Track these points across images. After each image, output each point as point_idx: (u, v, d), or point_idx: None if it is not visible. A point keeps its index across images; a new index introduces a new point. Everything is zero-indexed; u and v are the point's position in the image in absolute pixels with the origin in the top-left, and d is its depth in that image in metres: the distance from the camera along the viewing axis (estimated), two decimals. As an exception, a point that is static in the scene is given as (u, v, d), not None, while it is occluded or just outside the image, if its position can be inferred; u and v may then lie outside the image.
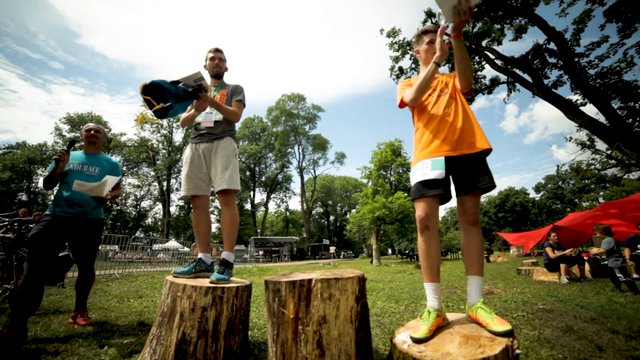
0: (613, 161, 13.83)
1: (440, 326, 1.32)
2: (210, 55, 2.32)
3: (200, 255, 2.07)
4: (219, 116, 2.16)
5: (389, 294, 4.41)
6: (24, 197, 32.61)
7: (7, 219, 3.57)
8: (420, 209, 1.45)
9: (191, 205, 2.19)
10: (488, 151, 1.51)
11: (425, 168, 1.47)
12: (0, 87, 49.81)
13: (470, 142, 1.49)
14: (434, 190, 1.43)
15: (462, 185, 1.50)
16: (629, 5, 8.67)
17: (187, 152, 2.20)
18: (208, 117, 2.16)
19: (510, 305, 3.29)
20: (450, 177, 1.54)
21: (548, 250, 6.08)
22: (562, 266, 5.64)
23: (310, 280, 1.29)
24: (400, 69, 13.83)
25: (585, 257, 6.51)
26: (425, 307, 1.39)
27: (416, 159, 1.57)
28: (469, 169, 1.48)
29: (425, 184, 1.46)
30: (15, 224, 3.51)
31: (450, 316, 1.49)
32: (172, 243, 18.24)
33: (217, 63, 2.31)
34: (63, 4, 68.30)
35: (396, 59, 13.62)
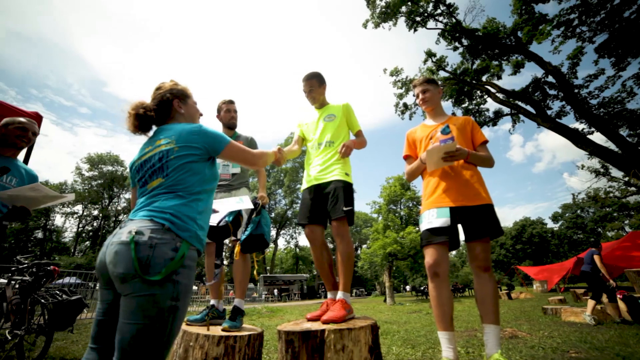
0: (633, 188, 13.34)
1: (460, 380, 1.27)
2: (225, 107, 2.50)
3: (212, 302, 2.08)
4: (236, 169, 2.32)
5: (405, 338, 4.16)
6: (39, 235, 33.32)
7: (26, 262, 3.67)
8: (429, 256, 1.47)
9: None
10: (491, 206, 1.54)
11: (431, 217, 1.52)
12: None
13: (475, 194, 1.54)
14: (440, 237, 1.46)
15: (470, 232, 1.52)
16: (618, 42, 9.03)
17: None
18: (225, 169, 2.31)
19: (537, 352, 3.04)
20: (460, 224, 1.57)
21: (597, 259, 5.11)
22: (590, 303, 5.16)
23: (323, 331, 1.29)
24: (405, 105, 14.43)
25: (619, 296, 5.90)
26: (441, 357, 1.34)
27: (424, 208, 1.63)
28: (475, 217, 1.51)
29: (433, 232, 1.49)
30: (34, 267, 3.59)
31: (470, 368, 1.42)
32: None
33: (233, 115, 2.50)
34: (95, 58, 76.66)
35: (400, 96, 14.28)
